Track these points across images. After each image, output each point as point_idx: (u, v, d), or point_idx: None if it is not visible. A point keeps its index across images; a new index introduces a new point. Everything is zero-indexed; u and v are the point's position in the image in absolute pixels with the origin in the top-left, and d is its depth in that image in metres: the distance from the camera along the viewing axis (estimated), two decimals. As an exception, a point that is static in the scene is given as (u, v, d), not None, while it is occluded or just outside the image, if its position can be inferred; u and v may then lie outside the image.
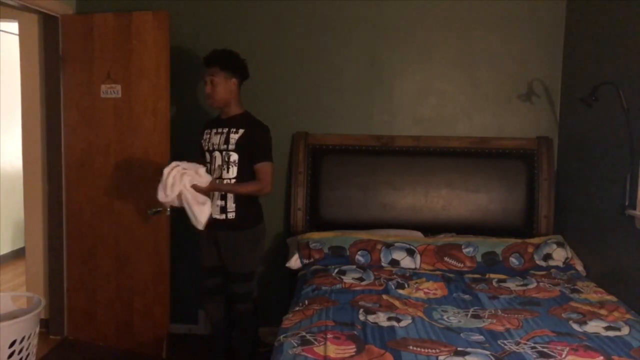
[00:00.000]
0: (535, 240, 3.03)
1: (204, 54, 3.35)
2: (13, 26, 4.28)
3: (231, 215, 2.69)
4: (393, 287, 2.59)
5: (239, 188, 2.66)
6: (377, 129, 3.37)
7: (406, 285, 2.62)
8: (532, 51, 3.29)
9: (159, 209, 3.13)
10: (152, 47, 3.09)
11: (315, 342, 1.93)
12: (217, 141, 2.70)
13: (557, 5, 3.25)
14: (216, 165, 2.71)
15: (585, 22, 3.06)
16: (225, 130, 2.70)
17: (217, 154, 2.71)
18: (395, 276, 2.74)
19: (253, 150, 2.66)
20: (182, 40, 3.31)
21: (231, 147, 2.67)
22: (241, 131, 2.68)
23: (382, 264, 2.91)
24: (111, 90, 3.16)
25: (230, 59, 2.70)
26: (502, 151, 3.28)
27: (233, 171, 2.68)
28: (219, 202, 2.71)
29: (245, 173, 2.67)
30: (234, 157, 2.67)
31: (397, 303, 2.37)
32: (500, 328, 2.11)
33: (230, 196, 2.69)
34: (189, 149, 3.41)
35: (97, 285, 3.29)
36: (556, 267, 2.89)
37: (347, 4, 3.33)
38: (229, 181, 2.68)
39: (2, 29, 4.68)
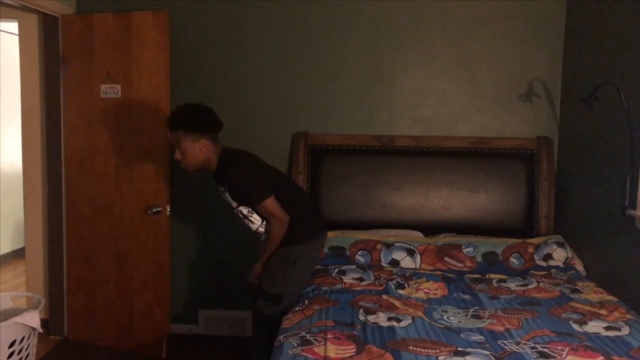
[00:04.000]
0: (536, 240, 3.03)
1: (204, 54, 3.39)
2: (13, 26, 4.28)
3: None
4: (393, 287, 2.59)
5: (272, 246, 2.51)
6: (377, 129, 3.37)
7: (406, 286, 2.62)
8: (532, 51, 3.29)
9: (159, 209, 3.13)
10: (152, 47, 3.09)
11: (315, 342, 1.93)
12: (228, 199, 2.56)
13: (557, 5, 3.25)
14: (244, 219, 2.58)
15: (585, 21, 3.06)
16: (222, 188, 2.54)
17: (238, 209, 2.56)
18: (395, 276, 2.74)
19: (244, 199, 2.49)
20: (182, 40, 3.31)
21: (235, 204, 2.53)
22: (226, 187, 2.51)
23: (382, 264, 2.91)
24: (111, 90, 3.16)
25: (193, 118, 2.43)
26: (502, 151, 3.28)
27: (256, 217, 2.53)
28: (263, 228, 2.58)
29: None
30: (245, 209, 2.52)
31: (397, 303, 2.37)
32: (500, 328, 2.11)
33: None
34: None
35: (97, 286, 3.29)
36: (556, 267, 2.89)
37: (347, 4, 3.32)
38: (260, 227, 2.55)
39: (2, 29, 4.68)
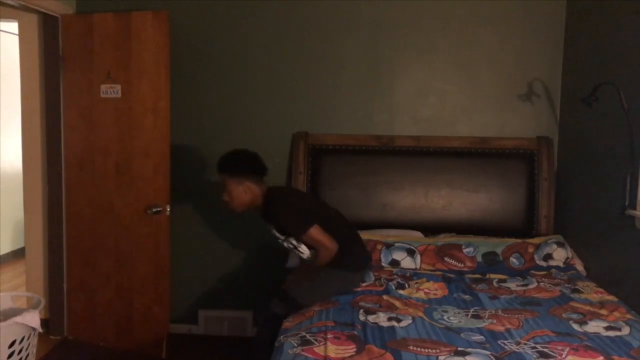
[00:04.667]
0: (536, 240, 3.03)
1: (203, 54, 3.39)
2: (13, 26, 4.28)
3: None
4: (393, 287, 2.59)
5: (321, 264, 2.50)
6: (377, 128, 3.37)
7: (406, 286, 2.62)
8: (532, 51, 3.28)
9: (158, 209, 3.13)
10: (152, 47, 3.09)
11: (315, 342, 1.93)
12: (275, 235, 2.63)
13: (557, 5, 3.25)
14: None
15: (585, 21, 3.06)
16: (269, 226, 2.63)
17: (287, 241, 2.61)
18: (395, 276, 2.73)
19: (290, 232, 2.54)
20: (182, 40, 3.30)
21: (283, 237, 2.60)
22: (273, 224, 2.60)
23: (383, 264, 2.91)
24: (111, 90, 3.15)
25: (236, 163, 2.58)
26: (502, 151, 3.28)
27: (304, 248, 2.57)
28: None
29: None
30: (293, 241, 2.56)
31: (397, 303, 2.38)
32: (500, 328, 2.11)
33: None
34: (188, 149, 3.43)
35: (97, 285, 3.29)
36: (556, 267, 2.89)
37: (347, 4, 3.32)
38: (309, 256, 2.58)
39: (2, 29, 4.68)
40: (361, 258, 2.66)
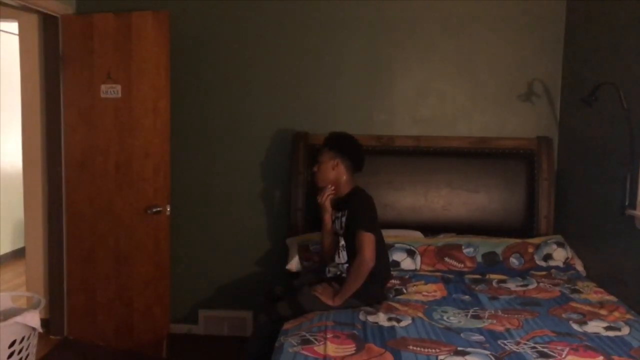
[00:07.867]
0: (536, 241, 3.02)
1: (204, 54, 3.40)
2: (13, 26, 4.28)
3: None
4: (391, 295, 2.54)
5: (351, 284, 2.36)
6: (377, 129, 3.37)
7: (404, 291, 2.60)
8: (532, 51, 3.28)
9: (159, 209, 3.13)
10: (152, 47, 3.09)
11: (315, 342, 1.94)
12: (337, 226, 2.62)
13: (557, 5, 3.25)
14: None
15: (585, 21, 3.06)
16: (340, 214, 2.60)
17: (341, 237, 2.64)
18: (393, 282, 2.68)
19: (355, 222, 2.44)
20: (182, 40, 3.30)
21: (341, 231, 2.58)
22: (346, 212, 2.53)
23: (382, 264, 2.90)
24: (111, 90, 3.15)
25: (340, 140, 2.64)
26: (502, 151, 3.27)
27: (343, 255, 2.59)
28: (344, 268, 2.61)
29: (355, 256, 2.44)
30: (342, 241, 2.59)
31: (397, 305, 2.38)
32: (500, 328, 2.11)
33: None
34: (189, 149, 3.43)
35: (97, 285, 3.29)
36: (556, 267, 2.89)
37: (347, 4, 3.32)
38: (341, 266, 2.60)
39: (2, 29, 4.68)
40: (379, 296, 2.54)
